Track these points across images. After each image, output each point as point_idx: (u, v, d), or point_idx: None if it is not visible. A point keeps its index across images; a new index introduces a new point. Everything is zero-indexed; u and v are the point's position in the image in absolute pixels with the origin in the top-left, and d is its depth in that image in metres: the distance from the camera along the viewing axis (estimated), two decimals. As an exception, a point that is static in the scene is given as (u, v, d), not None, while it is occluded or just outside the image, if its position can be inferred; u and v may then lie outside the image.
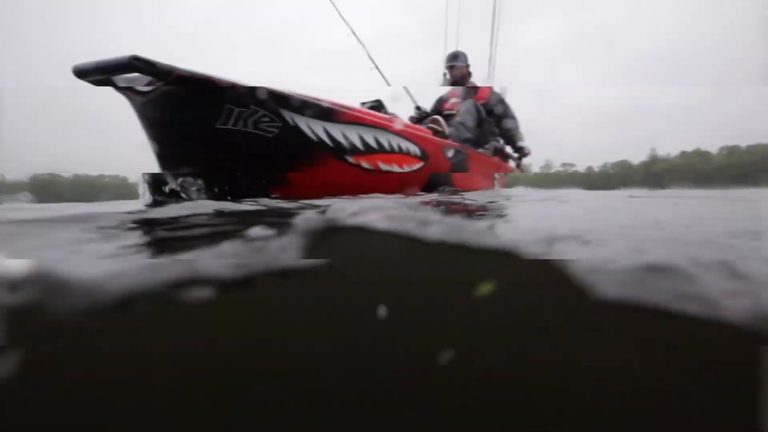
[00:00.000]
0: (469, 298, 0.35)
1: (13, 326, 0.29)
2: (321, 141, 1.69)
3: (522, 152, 3.70)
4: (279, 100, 1.50)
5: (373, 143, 1.89)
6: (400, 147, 2.04)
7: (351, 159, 1.83)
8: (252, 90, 1.43)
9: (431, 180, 2.47)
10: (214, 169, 1.49)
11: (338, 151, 1.76)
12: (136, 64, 1.21)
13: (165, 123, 1.39)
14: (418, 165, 2.19)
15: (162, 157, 1.46)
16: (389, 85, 3.44)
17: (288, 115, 1.55)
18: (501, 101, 3.47)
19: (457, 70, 3.41)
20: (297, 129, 1.59)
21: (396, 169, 2.07)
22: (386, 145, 1.96)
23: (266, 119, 1.50)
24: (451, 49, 3.60)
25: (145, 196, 1.49)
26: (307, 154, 1.68)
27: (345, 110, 1.76)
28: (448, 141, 2.55)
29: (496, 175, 3.66)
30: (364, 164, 1.90)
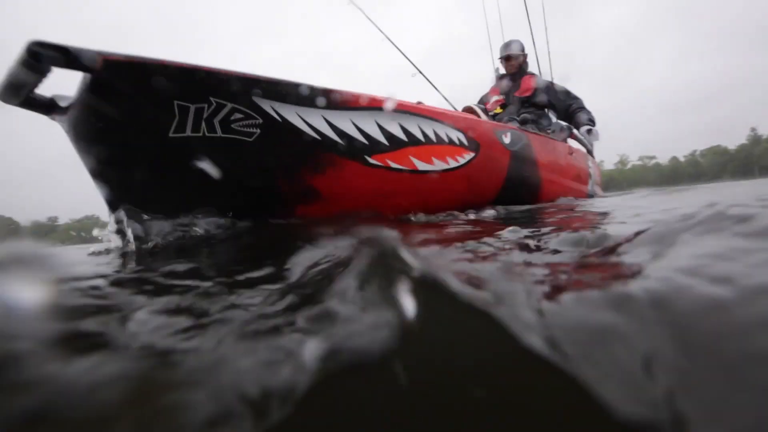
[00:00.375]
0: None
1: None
2: (326, 138, 1.23)
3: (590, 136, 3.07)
4: (250, 86, 1.07)
5: (399, 133, 1.40)
6: (437, 135, 1.52)
7: (372, 159, 1.35)
8: (205, 74, 1.01)
9: (507, 185, 1.93)
10: (176, 206, 1.07)
11: (353, 149, 1.29)
12: (39, 50, 0.81)
13: (96, 146, 0.99)
14: (468, 156, 1.65)
15: (109, 199, 1.03)
16: (436, 89, 3.30)
17: (268, 106, 1.11)
18: (550, 86, 3.08)
19: (513, 60, 3.12)
20: (287, 124, 1.16)
21: (439, 165, 1.55)
22: (418, 133, 1.45)
23: (239, 116, 1.08)
24: (497, 45, 3.29)
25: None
26: (309, 160, 1.23)
27: (350, 92, 1.29)
28: (500, 123, 1.98)
29: (590, 163, 2.99)
30: (393, 163, 1.41)
